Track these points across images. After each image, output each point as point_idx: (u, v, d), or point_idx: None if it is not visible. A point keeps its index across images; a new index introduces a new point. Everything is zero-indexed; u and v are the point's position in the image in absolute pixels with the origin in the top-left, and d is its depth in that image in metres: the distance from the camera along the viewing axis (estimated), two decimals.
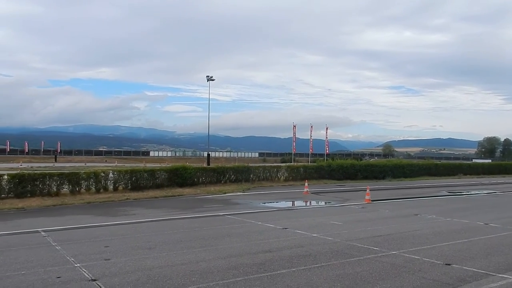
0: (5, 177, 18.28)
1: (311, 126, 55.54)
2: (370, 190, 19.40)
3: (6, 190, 17.92)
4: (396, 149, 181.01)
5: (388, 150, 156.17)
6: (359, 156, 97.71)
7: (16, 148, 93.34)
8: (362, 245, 9.56)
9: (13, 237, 10.87)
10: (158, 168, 24.93)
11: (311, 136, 55.89)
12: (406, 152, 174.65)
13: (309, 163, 40.45)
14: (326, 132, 57.13)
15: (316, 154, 69.93)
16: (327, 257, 8.50)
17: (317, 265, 7.86)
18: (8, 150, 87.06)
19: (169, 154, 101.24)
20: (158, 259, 8.29)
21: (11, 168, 40.15)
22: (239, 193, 22.24)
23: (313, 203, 19.58)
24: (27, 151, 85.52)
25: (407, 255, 8.68)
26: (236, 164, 33.98)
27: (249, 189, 24.19)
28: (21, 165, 49.83)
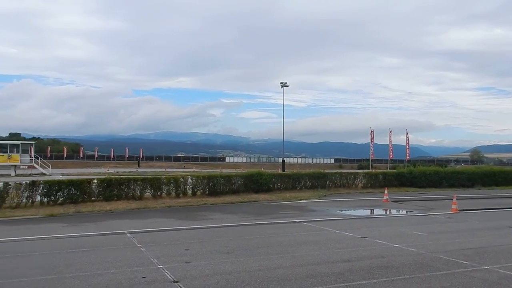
0: (95, 181, 19.77)
1: (390, 131, 53.60)
2: (457, 199, 18.28)
3: (96, 193, 19.35)
4: (486, 155, 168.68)
5: (476, 156, 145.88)
6: (443, 162, 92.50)
7: (104, 154, 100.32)
8: (450, 258, 9.04)
9: (103, 237, 11.71)
10: (234, 174, 25.49)
11: (390, 141, 53.93)
12: (497, 158, 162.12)
13: (389, 170, 39.05)
14: (407, 137, 54.78)
15: (395, 160, 67.32)
16: (410, 269, 8.14)
17: (400, 278, 7.56)
18: (97, 156, 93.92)
19: (244, 160, 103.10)
20: (236, 263, 8.48)
21: (99, 173, 43.28)
22: (315, 200, 22.06)
23: (394, 211, 18.86)
24: (113, 157, 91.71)
25: (502, 271, 8.05)
26: (312, 170, 33.75)
27: (325, 196, 23.90)
28: (108, 170, 53.48)
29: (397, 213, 18.63)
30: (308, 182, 26.16)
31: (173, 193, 21.18)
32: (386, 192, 22.64)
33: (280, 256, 9.18)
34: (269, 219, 15.37)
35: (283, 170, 46.11)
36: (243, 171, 33.16)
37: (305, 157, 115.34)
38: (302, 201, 21.49)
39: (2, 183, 18.20)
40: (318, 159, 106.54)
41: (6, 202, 17.55)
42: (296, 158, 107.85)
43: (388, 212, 18.83)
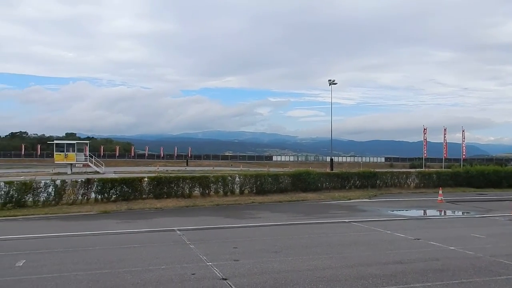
0: (146, 179, 20.40)
1: (445, 129, 51.67)
2: None
3: (147, 191, 19.96)
4: None
5: None
6: (502, 161, 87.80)
7: (154, 153, 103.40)
8: (511, 262, 8.57)
9: (154, 234, 12.06)
10: (281, 172, 25.48)
11: (444, 139, 51.98)
12: None
13: (443, 169, 37.63)
14: (463, 135, 52.60)
15: (450, 159, 64.84)
16: (468, 273, 7.79)
17: (456, 281, 7.25)
18: (147, 155, 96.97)
19: (292, 158, 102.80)
20: (284, 263, 8.46)
21: (150, 171, 44.61)
22: (365, 200, 21.63)
23: (449, 212, 18.14)
24: (162, 155, 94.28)
25: None
26: (361, 169, 33.11)
27: (375, 195, 23.38)
28: (158, 168, 55.01)
29: (453, 214, 17.91)
30: (358, 182, 25.70)
31: (221, 192, 21.47)
32: (440, 192, 21.81)
33: (329, 256, 9.07)
34: (318, 218, 15.24)
35: (332, 169, 45.59)
36: (291, 170, 33.10)
37: (354, 156, 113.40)
38: (352, 200, 21.14)
39: (59, 180, 19.17)
40: (368, 158, 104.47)
41: (63, 199, 18.49)
42: (345, 157, 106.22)
43: (442, 213, 18.14)
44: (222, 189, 21.54)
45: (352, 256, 9.07)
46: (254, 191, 22.18)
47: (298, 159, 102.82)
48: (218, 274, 7.62)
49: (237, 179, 22.48)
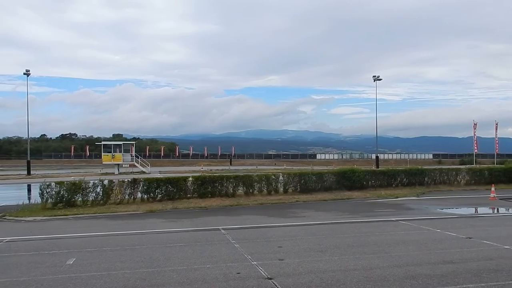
0: (190, 179, 20.73)
1: (496, 123, 49.46)
2: None
3: (191, 190, 20.28)
4: None
5: None
6: None
7: (198, 152, 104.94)
8: None
9: (199, 233, 12.20)
10: (325, 171, 25.18)
11: (496, 134, 49.75)
12: None
13: (495, 165, 35.96)
14: None
15: (502, 154, 61.91)
16: None
17: None
18: (191, 154, 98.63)
19: (336, 156, 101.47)
20: (330, 262, 8.33)
21: (194, 171, 45.33)
22: (412, 198, 21.01)
23: (503, 210, 17.29)
24: (206, 155, 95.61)
25: None
26: (408, 166, 32.21)
27: (423, 193, 22.66)
28: (202, 168, 55.81)
29: (507, 212, 17.05)
30: (405, 179, 25.02)
31: (265, 191, 21.49)
32: (493, 189, 20.84)
33: (377, 255, 8.85)
34: (364, 217, 14.93)
35: (377, 167, 44.62)
36: (335, 168, 32.65)
37: (400, 153, 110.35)
38: (399, 198, 20.59)
39: (107, 180, 19.82)
40: (415, 154, 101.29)
41: (111, 198, 19.10)
42: (391, 154, 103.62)
43: (495, 211, 17.31)
44: (266, 188, 21.55)
45: (401, 256, 8.81)
46: (298, 189, 22.05)
47: (342, 157, 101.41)
48: (263, 274, 7.60)
49: (281, 177, 22.43)
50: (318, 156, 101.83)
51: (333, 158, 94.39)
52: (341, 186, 22.85)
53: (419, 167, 27.83)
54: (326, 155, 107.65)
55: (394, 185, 24.47)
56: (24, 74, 51.00)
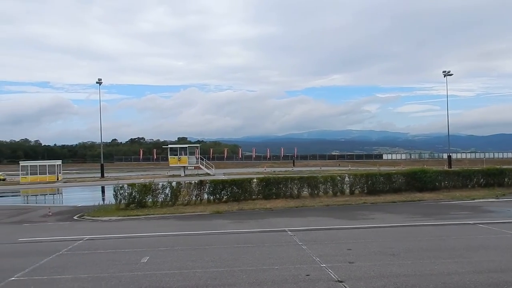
0: (255, 180, 20.96)
1: None
2: None
3: (256, 192, 20.50)
4: None
5: None
6: None
7: (260, 154, 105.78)
8: None
9: (265, 234, 12.31)
10: (394, 171, 24.42)
11: None
12: None
13: None
14: None
15: None
16: None
17: None
18: (254, 156, 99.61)
19: (403, 156, 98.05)
20: (403, 266, 8.07)
21: (257, 172, 45.80)
22: (491, 200, 19.82)
23: None
24: (269, 157, 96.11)
25: None
26: (485, 166, 30.42)
27: (503, 195, 21.30)
28: (265, 169, 56.22)
29: None
30: (482, 180, 23.68)
31: (330, 192, 21.24)
32: None
33: (454, 260, 8.45)
34: (437, 220, 14.31)
35: (450, 167, 42.61)
36: (404, 168, 31.60)
37: (474, 152, 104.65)
38: (475, 200, 19.51)
39: (175, 182, 20.53)
40: (492, 153, 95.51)
41: (179, 199, 19.78)
42: (464, 153, 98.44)
43: None
44: (331, 189, 21.31)
45: (481, 261, 8.35)
46: (365, 191, 21.58)
47: (411, 156, 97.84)
48: (333, 276, 7.52)
49: (346, 179, 22.08)
50: (385, 156, 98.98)
51: (401, 158, 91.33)
52: (411, 187, 22.06)
53: (498, 166, 26.22)
54: (393, 155, 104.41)
55: (469, 186, 23.24)
56: (97, 83, 54.38)
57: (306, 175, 23.10)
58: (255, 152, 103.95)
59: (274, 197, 20.28)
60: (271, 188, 20.51)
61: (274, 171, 49.67)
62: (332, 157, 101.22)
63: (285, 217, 15.84)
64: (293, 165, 74.84)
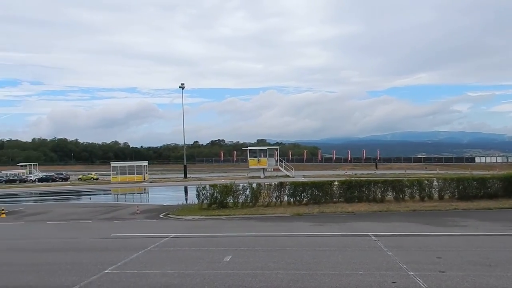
0: (336, 183, 20.64)
1: None
2: None
3: (337, 195, 20.19)
4: None
5: None
6: None
7: (340, 156, 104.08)
8: None
9: (347, 238, 12.07)
10: (489, 175, 22.75)
11: None
12: None
13: None
14: None
15: None
16: None
17: None
18: (334, 158, 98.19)
19: (499, 160, 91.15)
20: (502, 279, 7.50)
21: (338, 175, 45.06)
22: None
23: None
24: (350, 159, 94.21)
25: None
26: None
27: None
28: (346, 172, 55.21)
29: None
30: None
31: (417, 196, 20.31)
32: None
33: None
34: None
35: None
36: (500, 172, 29.36)
37: None
38: None
39: (255, 184, 20.84)
40: None
41: (259, 201, 20.04)
42: None
43: None
44: (418, 194, 20.36)
45: None
46: (456, 196, 20.34)
47: (508, 160, 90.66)
48: (422, 285, 7.18)
49: (435, 182, 20.95)
50: (477, 159, 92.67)
51: (496, 162, 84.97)
52: (509, 193, 20.37)
53: None
54: (487, 158, 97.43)
55: None
56: (180, 87, 56.97)
57: (391, 179, 22.31)
58: (335, 154, 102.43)
59: (356, 200, 19.83)
60: (353, 191, 20.08)
61: (356, 174, 48.59)
62: (417, 160, 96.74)
63: (368, 221, 15.41)
64: (376, 168, 72.77)
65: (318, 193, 20.09)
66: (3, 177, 70.32)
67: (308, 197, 20.11)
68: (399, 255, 9.41)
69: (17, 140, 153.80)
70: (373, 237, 11.84)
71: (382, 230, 13.09)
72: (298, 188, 20.24)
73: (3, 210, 22.44)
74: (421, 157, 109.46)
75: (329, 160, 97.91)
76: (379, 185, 20.40)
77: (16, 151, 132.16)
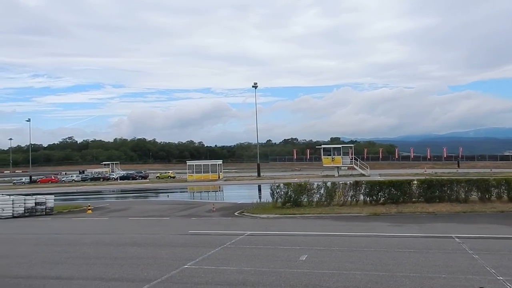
0: (415, 182, 19.88)
1: None
2: None
3: (416, 194, 19.44)
4: None
5: None
6: None
7: (419, 154, 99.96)
8: None
9: (428, 240, 11.59)
10: None
11: None
12: None
13: None
14: None
15: None
16: None
17: None
18: (412, 156, 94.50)
19: None
20: None
21: (416, 174, 43.38)
22: None
23: None
24: (429, 157, 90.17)
25: None
26: None
27: None
28: (425, 171, 52.92)
29: None
30: None
31: (505, 197, 18.99)
32: None
33: None
34: None
35: None
36: None
37: None
38: None
39: (330, 183, 20.65)
40: None
41: (334, 200, 19.83)
42: None
43: None
44: (506, 194, 19.02)
45: None
46: None
47: None
48: None
49: None
50: None
51: None
52: None
53: None
54: None
55: None
56: (253, 87, 57.81)
57: (475, 178, 21.08)
58: (413, 152, 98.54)
59: (437, 200, 18.96)
60: (434, 191, 19.21)
61: (436, 173, 46.43)
62: (505, 158, 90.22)
63: (450, 222, 14.70)
64: (458, 166, 69.00)
65: (396, 193, 19.46)
66: (88, 175, 75.99)
67: (385, 196, 19.56)
68: (486, 259, 8.90)
69: (100, 140, 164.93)
70: (456, 239, 11.29)
71: (466, 232, 12.43)
72: (374, 187, 19.75)
73: (89, 206, 24.17)
74: (508, 155, 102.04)
75: (406, 158, 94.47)
76: (462, 184, 19.34)
77: (100, 150, 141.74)
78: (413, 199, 19.37)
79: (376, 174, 45.38)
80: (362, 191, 19.96)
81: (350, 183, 20.29)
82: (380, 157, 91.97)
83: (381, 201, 19.48)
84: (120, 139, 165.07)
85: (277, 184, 20.69)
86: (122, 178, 69.12)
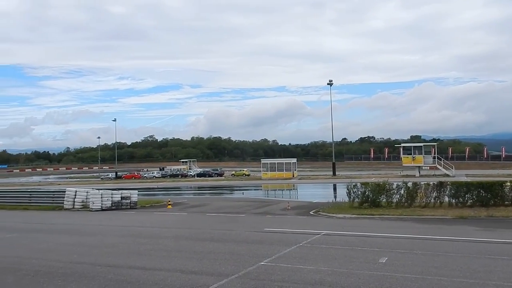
0: (508, 184, 18.47)
1: None
2: None
3: (509, 197, 18.06)
4: None
5: None
6: None
7: (511, 153, 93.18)
8: None
9: None
10: None
11: None
12: None
13: None
14: None
15: None
16: None
17: None
18: (504, 156, 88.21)
19: None
20: None
21: (509, 175, 40.33)
22: None
23: None
24: None
25: None
26: None
27: None
28: None
29: None
30: None
31: None
32: None
33: None
34: None
35: None
36: None
37: None
38: None
39: (411, 183, 19.79)
40: None
41: (415, 201, 18.98)
42: None
43: None
44: None
45: None
46: None
47: None
48: None
49: None
50: None
51: None
52: None
53: None
54: None
55: None
56: (328, 84, 57.11)
57: None
58: (504, 151, 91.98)
59: None
60: None
61: None
62: None
63: None
64: None
65: (486, 195, 18.22)
66: (167, 172, 79.54)
67: (474, 198, 18.39)
68: None
69: (178, 138, 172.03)
70: None
71: None
72: (461, 189, 18.64)
73: (169, 201, 25.20)
74: None
75: (497, 158, 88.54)
76: None
77: (178, 148, 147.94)
78: (506, 202, 18.01)
79: (462, 174, 42.94)
80: (447, 192, 18.91)
81: (433, 183, 19.31)
82: (467, 156, 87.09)
83: (468, 203, 18.34)
84: (197, 137, 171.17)
85: (354, 184, 20.20)
86: (199, 175, 71.51)
